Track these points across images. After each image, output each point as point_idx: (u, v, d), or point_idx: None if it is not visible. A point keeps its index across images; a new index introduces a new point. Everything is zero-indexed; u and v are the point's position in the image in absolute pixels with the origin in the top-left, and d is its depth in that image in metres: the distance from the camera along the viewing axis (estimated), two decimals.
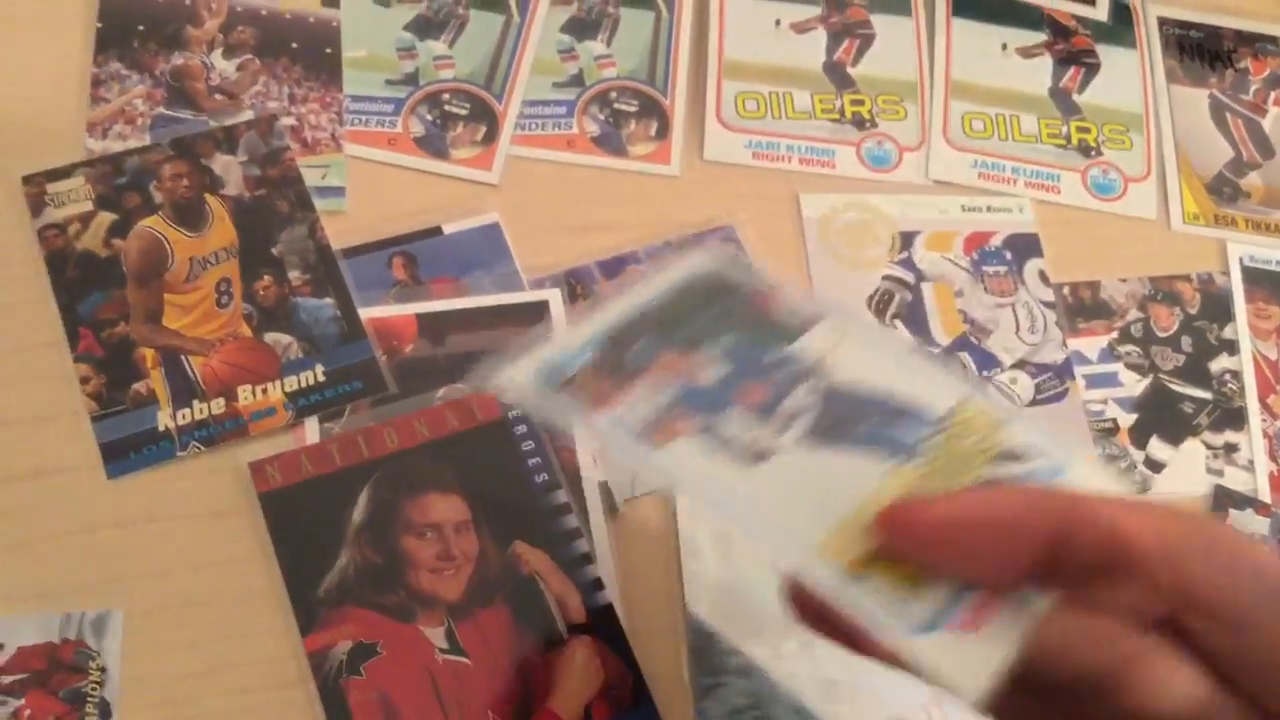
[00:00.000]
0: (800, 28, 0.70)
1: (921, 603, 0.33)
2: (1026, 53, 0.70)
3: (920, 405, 0.40)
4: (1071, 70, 0.70)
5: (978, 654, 0.33)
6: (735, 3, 0.69)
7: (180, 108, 0.61)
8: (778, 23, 0.69)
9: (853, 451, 0.40)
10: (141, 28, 0.63)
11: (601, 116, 0.65)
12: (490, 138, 0.63)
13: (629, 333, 0.44)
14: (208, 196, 0.59)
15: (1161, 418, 0.60)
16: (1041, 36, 0.71)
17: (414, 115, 0.63)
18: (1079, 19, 0.72)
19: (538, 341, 0.47)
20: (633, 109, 0.65)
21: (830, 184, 0.65)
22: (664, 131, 0.65)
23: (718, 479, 0.40)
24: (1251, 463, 0.60)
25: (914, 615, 0.33)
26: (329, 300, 0.57)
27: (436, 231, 0.60)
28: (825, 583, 0.35)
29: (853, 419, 0.41)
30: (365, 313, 0.57)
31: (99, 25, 0.63)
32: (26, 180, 0.58)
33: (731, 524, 0.40)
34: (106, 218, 0.57)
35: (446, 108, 0.64)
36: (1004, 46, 0.70)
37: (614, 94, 0.66)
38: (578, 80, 0.66)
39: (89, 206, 0.57)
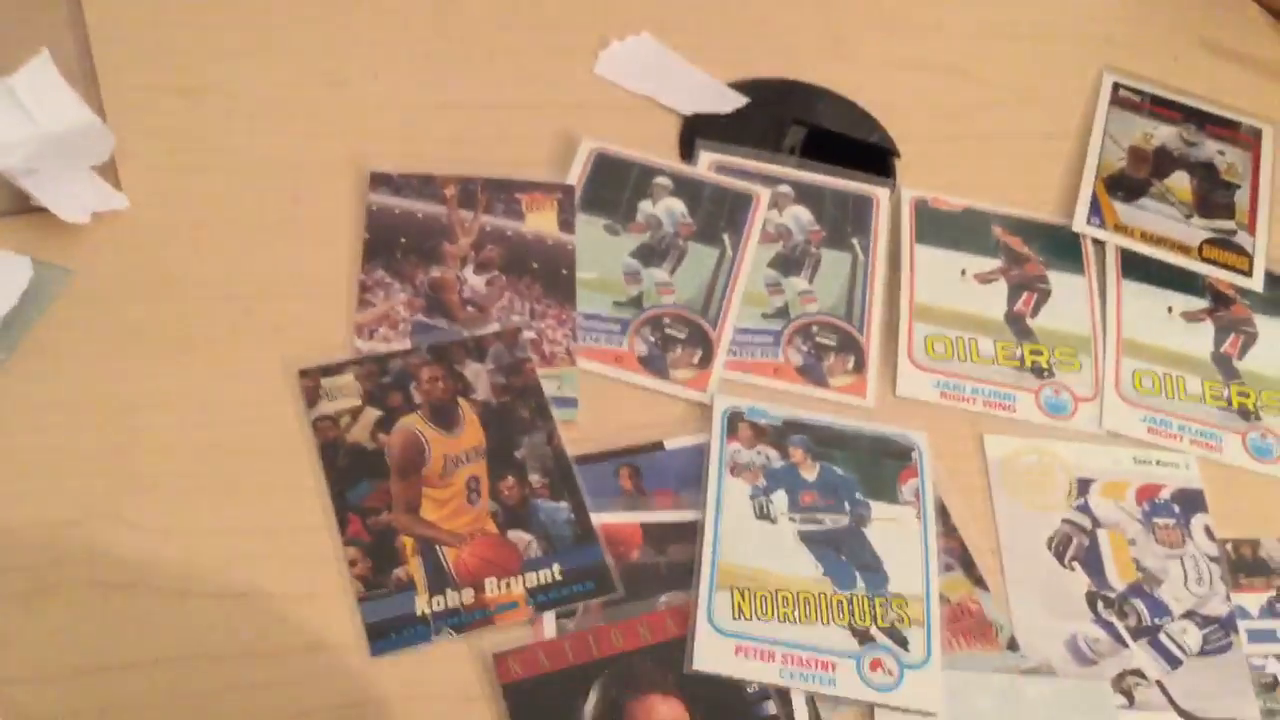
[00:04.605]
0: (983, 278, 0.76)
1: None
2: (1191, 317, 0.76)
3: (889, 574, 0.63)
4: (1231, 337, 0.76)
5: None
6: (924, 251, 0.76)
7: (436, 316, 0.68)
8: (963, 272, 0.76)
9: (813, 557, 0.63)
10: (404, 240, 0.71)
11: (804, 348, 0.71)
12: (706, 361, 0.70)
13: (803, 430, 0.68)
14: (460, 400, 0.65)
15: None
16: (1204, 303, 0.77)
17: (638, 336, 0.70)
18: (1237, 288, 0.78)
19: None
20: (832, 343, 0.72)
21: (1011, 427, 0.70)
22: (860, 366, 0.71)
23: (734, 511, 0.64)
24: None
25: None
26: (564, 503, 0.63)
27: (658, 446, 0.66)
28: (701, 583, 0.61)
29: (841, 547, 0.64)
30: (596, 518, 0.63)
31: (366, 236, 0.70)
32: (303, 374, 0.65)
33: (708, 527, 0.63)
34: (373, 413, 0.64)
35: (667, 331, 0.70)
36: (1170, 310, 0.76)
37: (815, 328, 0.72)
38: (783, 313, 0.73)
39: (358, 402, 0.64)
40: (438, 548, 0.61)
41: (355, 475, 0.62)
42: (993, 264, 0.77)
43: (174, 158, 0.71)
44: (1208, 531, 0.68)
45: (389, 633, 0.58)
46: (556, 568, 0.61)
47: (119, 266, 0.66)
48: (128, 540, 0.57)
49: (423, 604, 0.59)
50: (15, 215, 0.66)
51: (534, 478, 0.63)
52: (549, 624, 0.60)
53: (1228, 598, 0.66)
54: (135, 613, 0.56)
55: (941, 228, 0.78)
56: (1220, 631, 0.65)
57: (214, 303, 0.66)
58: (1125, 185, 0.81)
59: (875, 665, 0.59)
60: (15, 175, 0.65)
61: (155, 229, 0.68)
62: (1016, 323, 0.74)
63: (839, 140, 0.81)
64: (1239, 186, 0.82)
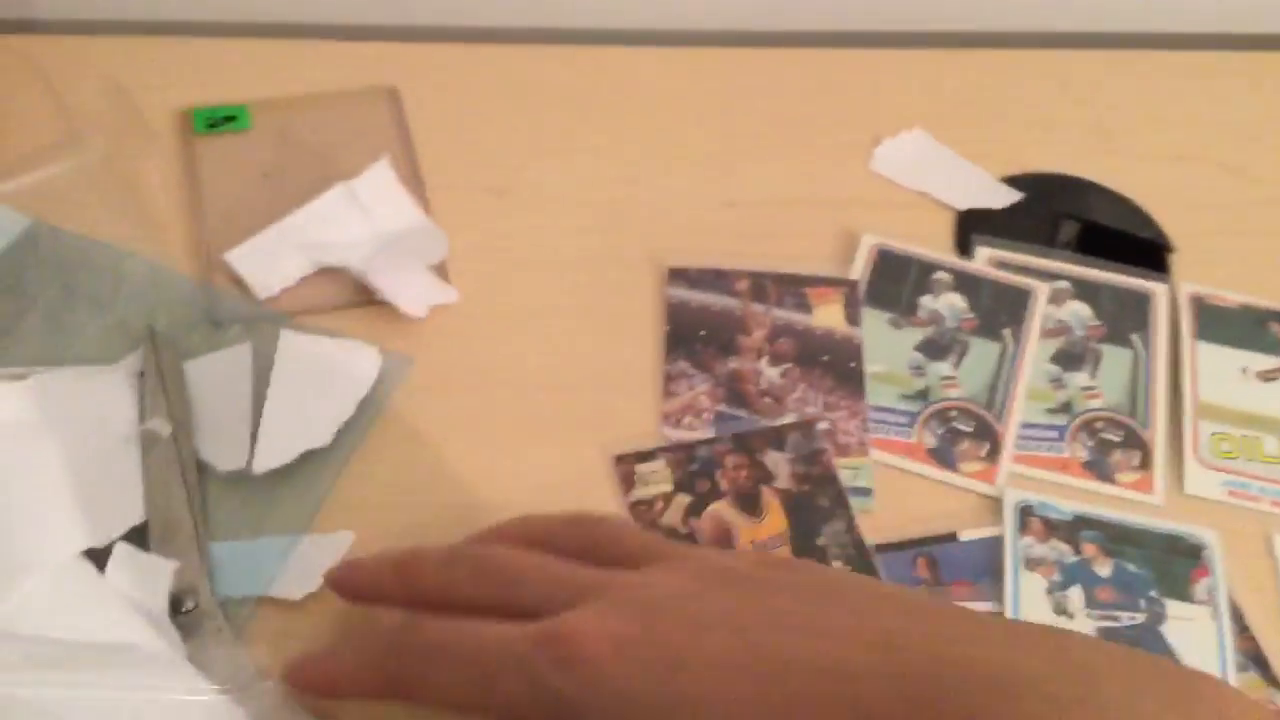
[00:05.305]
0: (1265, 376, 0.77)
1: None
2: None
3: None
4: None
5: None
6: (1205, 348, 0.78)
7: (736, 406, 0.73)
8: (1244, 370, 0.77)
9: None
10: (703, 333, 0.75)
11: (1090, 443, 0.73)
12: (993, 454, 0.72)
13: (1093, 526, 0.70)
14: (762, 488, 0.69)
15: None
16: None
17: (926, 428, 0.73)
18: None
19: None
20: (1117, 439, 0.74)
21: None
22: (1146, 463, 0.73)
23: (1032, 605, 0.66)
24: None
25: None
26: None
27: (952, 537, 0.69)
28: None
29: (1140, 645, 0.65)
30: None
31: (667, 329, 0.75)
32: (619, 460, 0.70)
33: None
34: (684, 499, 0.69)
35: (953, 424, 0.73)
36: None
37: (1100, 424, 0.74)
38: (1067, 408, 0.75)
39: (669, 487, 0.69)
40: None
41: None
42: (1273, 362, 0.78)
43: (491, 254, 0.77)
44: None
45: None
46: None
47: (451, 357, 0.72)
48: None
49: None
50: (360, 307, 0.72)
51: (836, 565, 0.67)
52: None
53: None
54: None
55: (1220, 324, 0.79)
56: None
57: (536, 391, 0.71)
58: None
59: None
60: (362, 271, 0.72)
61: (479, 322, 0.74)
62: None
63: (1112, 235, 0.83)
64: None
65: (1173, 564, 0.68)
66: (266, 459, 0.64)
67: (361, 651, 0.51)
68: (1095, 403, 0.75)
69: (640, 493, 0.68)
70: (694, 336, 0.75)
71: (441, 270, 0.74)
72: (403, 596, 0.51)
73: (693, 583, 0.46)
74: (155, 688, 0.51)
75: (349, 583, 0.55)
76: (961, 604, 0.66)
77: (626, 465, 0.69)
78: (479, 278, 0.76)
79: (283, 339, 0.68)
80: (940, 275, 0.80)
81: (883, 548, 0.68)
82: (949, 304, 0.78)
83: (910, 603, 0.45)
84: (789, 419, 0.72)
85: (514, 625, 0.46)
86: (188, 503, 0.61)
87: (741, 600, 0.45)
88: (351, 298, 0.73)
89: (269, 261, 0.72)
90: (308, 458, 0.65)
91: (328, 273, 0.73)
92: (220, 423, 0.65)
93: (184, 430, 0.64)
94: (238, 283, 0.72)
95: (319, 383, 0.67)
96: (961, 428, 0.73)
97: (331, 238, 0.73)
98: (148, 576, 0.56)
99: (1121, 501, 0.71)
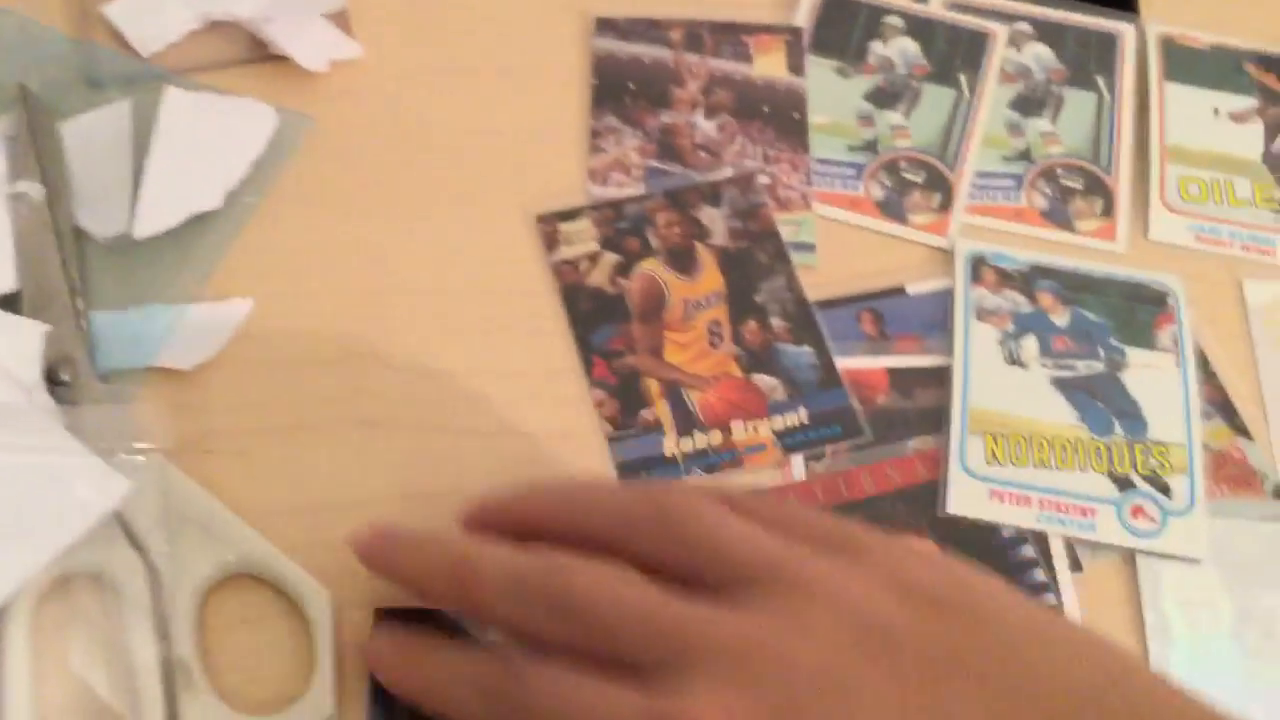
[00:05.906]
0: (1238, 118, 0.72)
1: None
2: None
3: (1148, 420, 0.62)
4: None
5: None
6: (1174, 90, 0.72)
7: (669, 161, 0.67)
8: (1216, 112, 0.72)
9: (1068, 403, 0.62)
10: (632, 86, 0.69)
11: (1049, 191, 0.68)
12: (945, 205, 0.67)
13: (1050, 275, 0.66)
14: (697, 244, 0.64)
15: None
16: None
17: (874, 180, 0.68)
18: None
19: None
20: (1078, 186, 0.69)
21: (1271, 272, 0.67)
22: (1109, 209, 0.68)
23: (983, 356, 0.63)
24: None
25: None
26: (807, 348, 0.62)
27: (900, 291, 0.64)
28: (953, 427, 0.61)
29: (1097, 393, 0.62)
30: (839, 362, 0.61)
31: (594, 82, 0.69)
32: (541, 219, 0.64)
33: (956, 373, 0.62)
34: (611, 258, 0.64)
35: (903, 174, 0.68)
36: None
37: (1060, 170, 0.69)
38: (1025, 155, 0.70)
39: (595, 247, 0.64)
40: (683, 390, 0.60)
41: (597, 319, 0.62)
42: (1247, 103, 0.72)
43: (398, 5, 0.70)
44: None
45: (640, 472, 0.58)
46: (802, 411, 0.60)
47: (357, 115, 0.66)
48: (384, 379, 0.58)
49: (671, 445, 0.59)
50: (254, 64, 0.66)
51: (775, 322, 0.62)
52: (797, 467, 0.59)
53: None
54: (391, 449, 0.57)
55: (1191, 65, 0.73)
56: None
57: (449, 151, 0.66)
58: None
59: (1137, 512, 0.57)
60: (254, 23, 0.65)
61: (389, 78, 0.68)
62: (1275, 163, 0.70)
63: None
64: None
65: (1135, 311, 0.63)
66: (149, 223, 0.58)
67: (456, 664, 0.42)
68: (1056, 149, 0.70)
69: (565, 253, 0.64)
70: (623, 90, 0.69)
71: (342, 21, 0.68)
72: (460, 609, 0.44)
73: (838, 653, 0.37)
74: (23, 447, 0.46)
75: (386, 563, 0.47)
76: (910, 357, 0.62)
77: (549, 224, 0.64)
78: (384, 30, 0.69)
79: (166, 97, 0.62)
80: (891, 19, 0.73)
81: (825, 304, 0.64)
82: (900, 49, 0.72)
83: (1104, 676, 0.37)
84: (726, 173, 0.67)
85: (624, 694, 0.37)
86: (63, 269, 0.56)
87: (903, 690, 0.36)
88: (244, 54, 0.67)
89: (151, 14, 0.66)
90: (196, 222, 0.60)
91: (217, 26, 0.67)
92: (99, 186, 0.60)
93: (59, 194, 0.59)
94: (118, 38, 0.66)
95: (207, 142, 0.61)
96: (912, 179, 0.68)
97: None
98: (16, 339, 0.52)
99: (1082, 250, 0.67)
